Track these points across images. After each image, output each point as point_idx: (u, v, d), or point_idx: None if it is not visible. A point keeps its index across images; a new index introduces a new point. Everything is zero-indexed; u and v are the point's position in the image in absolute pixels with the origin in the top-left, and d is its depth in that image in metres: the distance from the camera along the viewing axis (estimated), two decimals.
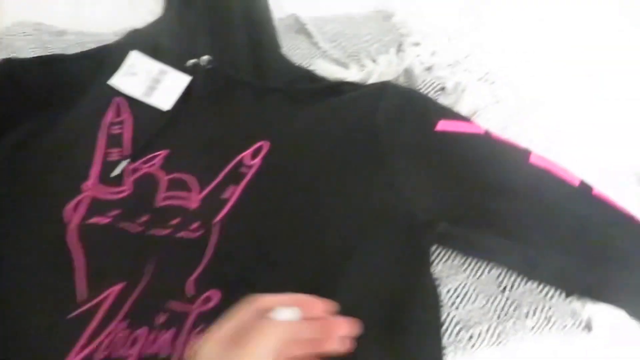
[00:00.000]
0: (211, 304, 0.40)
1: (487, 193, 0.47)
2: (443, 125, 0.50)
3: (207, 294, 0.40)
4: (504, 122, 0.59)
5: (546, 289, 0.46)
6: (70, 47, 0.60)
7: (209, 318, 0.39)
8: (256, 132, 0.51)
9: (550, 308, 0.44)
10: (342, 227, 0.45)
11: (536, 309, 0.44)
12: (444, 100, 0.60)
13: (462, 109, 0.59)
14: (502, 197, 0.47)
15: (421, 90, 0.59)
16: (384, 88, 0.52)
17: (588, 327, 0.44)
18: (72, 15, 0.68)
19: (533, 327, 0.43)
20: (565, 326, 0.43)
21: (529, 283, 0.46)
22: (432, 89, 0.59)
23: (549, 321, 0.44)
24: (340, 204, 0.46)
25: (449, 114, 0.53)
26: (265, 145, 0.50)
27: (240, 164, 0.49)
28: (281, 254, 0.44)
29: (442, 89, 0.60)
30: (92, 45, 0.58)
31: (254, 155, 0.50)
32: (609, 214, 0.48)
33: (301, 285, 0.40)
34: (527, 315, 0.44)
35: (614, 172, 0.57)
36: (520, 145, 0.51)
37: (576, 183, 0.49)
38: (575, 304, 0.45)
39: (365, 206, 0.46)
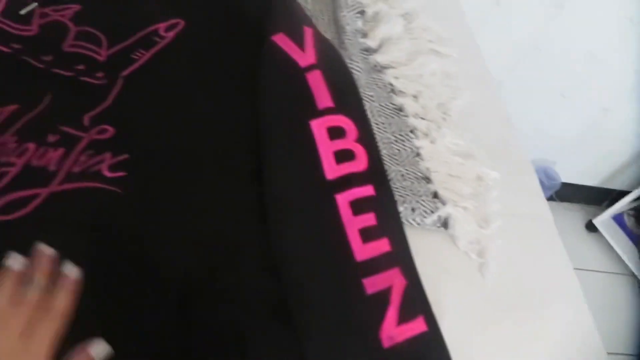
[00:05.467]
0: (106, 135, 0.46)
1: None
2: (279, 38, 0.54)
3: (102, 126, 0.46)
4: (412, 55, 0.70)
5: (417, 188, 0.57)
6: None
7: (100, 146, 0.45)
8: (174, 9, 0.57)
9: (417, 202, 0.55)
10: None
11: (404, 200, 0.55)
12: (361, 23, 0.69)
13: (376, 34, 0.69)
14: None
15: (342, 9, 0.68)
16: None
17: (444, 225, 0.55)
18: None
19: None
20: (424, 217, 0.54)
21: (406, 182, 0.57)
22: (353, 10, 0.68)
23: (413, 211, 0.54)
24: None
25: (292, 28, 0.56)
26: (181, 22, 0.57)
27: (154, 32, 0.55)
28: (170, 116, 0.51)
29: (362, 12, 0.69)
30: None
31: (169, 29, 0.56)
32: None
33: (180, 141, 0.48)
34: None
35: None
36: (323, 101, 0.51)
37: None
38: (438, 204, 0.56)
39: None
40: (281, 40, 0.55)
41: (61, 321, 0.34)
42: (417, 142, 0.60)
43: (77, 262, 0.40)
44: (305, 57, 0.54)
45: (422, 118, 0.63)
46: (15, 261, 0.35)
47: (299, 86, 0.52)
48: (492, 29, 1.29)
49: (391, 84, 0.65)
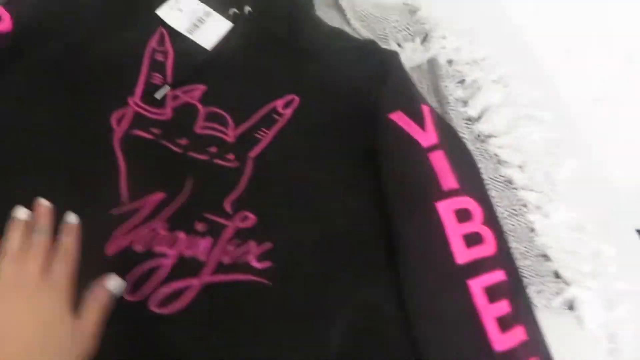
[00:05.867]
0: (248, 223, 0.47)
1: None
2: (397, 116, 0.55)
3: (244, 213, 0.47)
4: (512, 122, 0.70)
5: (538, 267, 0.56)
6: None
7: (246, 234, 0.46)
8: (288, 86, 0.59)
9: (541, 283, 0.54)
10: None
11: (529, 282, 0.54)
12: (461, 92, 0.70)
13: (476, 103, 0.69)
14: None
15: (443, 79, 0.69)
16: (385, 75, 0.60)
17: (570, 307, 0.54)
18: None
19: None
20: (550, 299, 0.53)
21: (527, 260, 0.56)
22: (454, 80, 0.69)
23: (538, 293, 0.53)
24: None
25: (410, 106, 0.57)
26: (296, 99, 0.58)
27: (273, 110, 0.57)
28: (303, 197, 0.52)
29: (462, 81, 0.70)
30: None
31: (286, 105, 0.57)
32: None
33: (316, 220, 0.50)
34: None
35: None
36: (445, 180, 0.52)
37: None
38: (562, 285, 0.55)
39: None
40: (400, 118, 0.55)
41: (71, 260, 0.39)
42: (530, 217, 0.60)
43: (231, 355, 0.41)
44: (426, 136, 0.54)
45: (531, 190, 0.63)
46: (21, 212, 0.40)
47: (422, 167, 0.53)
48: (562, 78, 1.29)
49: (496, 155, 0.65)
